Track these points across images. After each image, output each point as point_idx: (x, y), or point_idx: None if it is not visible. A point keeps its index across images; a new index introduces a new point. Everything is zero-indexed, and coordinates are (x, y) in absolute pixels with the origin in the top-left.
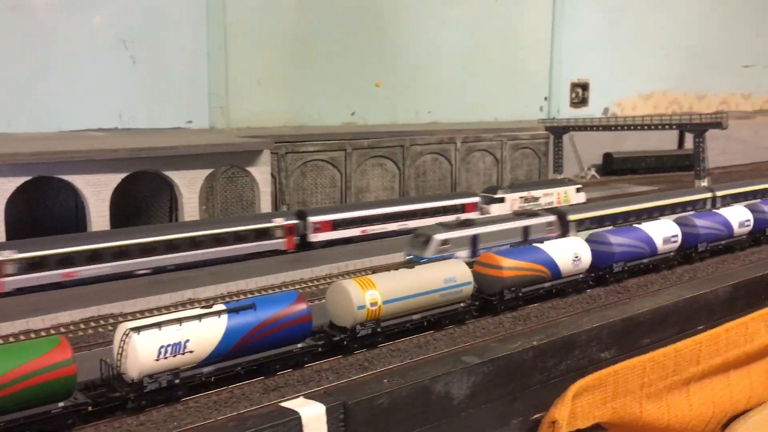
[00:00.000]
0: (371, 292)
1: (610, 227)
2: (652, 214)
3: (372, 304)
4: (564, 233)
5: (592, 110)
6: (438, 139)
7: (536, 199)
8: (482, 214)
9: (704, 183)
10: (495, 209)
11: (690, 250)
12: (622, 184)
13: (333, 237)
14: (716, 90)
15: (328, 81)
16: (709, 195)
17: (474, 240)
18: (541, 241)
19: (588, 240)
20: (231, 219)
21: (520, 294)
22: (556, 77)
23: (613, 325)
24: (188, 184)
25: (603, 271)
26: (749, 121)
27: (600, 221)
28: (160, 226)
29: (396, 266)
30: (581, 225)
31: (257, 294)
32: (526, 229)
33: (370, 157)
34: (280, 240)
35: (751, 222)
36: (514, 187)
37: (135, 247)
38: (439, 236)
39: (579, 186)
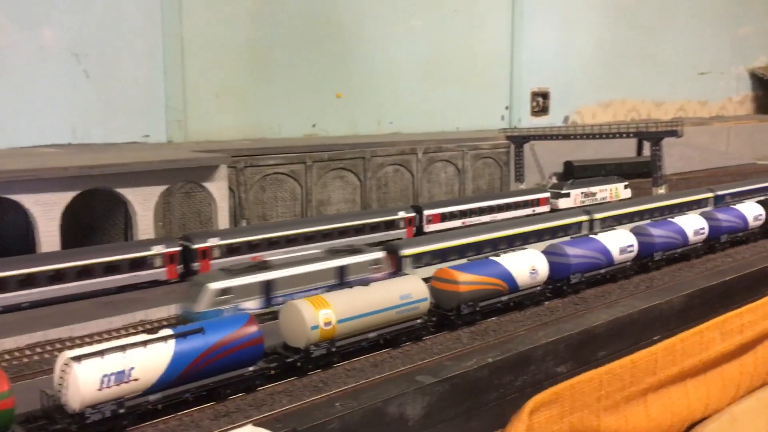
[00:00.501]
0: (325, 311)
1: (465, 260)
2: (513, 243)
3: (326, 324)
4: (396, 271)
5: (553, 118)
6: (399, 150)
7: (594, 194)
8: (552, 208)
9: (662, 190)
10: (562, 203)
11: (646, 260)
12: None
13: (442, 227)
14: (674, 97)
15: (288, 93)
16: (585, 218)
17: (267, 287)
18: (365, 283)
19: (545, 252)
20: (364, 213)
21: (478, 308)
22: (517, 86)
23: (569, 338)
24: (142, 201)
25: (560, 282)
26: (706, 128)
27: (443, 255)
28: (317, 219)
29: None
30: (419, 261)
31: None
32: (341, 270)
33: (330, 169)
34: (402, 230)
35: (706, 230)
36: (575, 184)
37: (301, 236)
38: (215, 285)
39: (626, 183)
